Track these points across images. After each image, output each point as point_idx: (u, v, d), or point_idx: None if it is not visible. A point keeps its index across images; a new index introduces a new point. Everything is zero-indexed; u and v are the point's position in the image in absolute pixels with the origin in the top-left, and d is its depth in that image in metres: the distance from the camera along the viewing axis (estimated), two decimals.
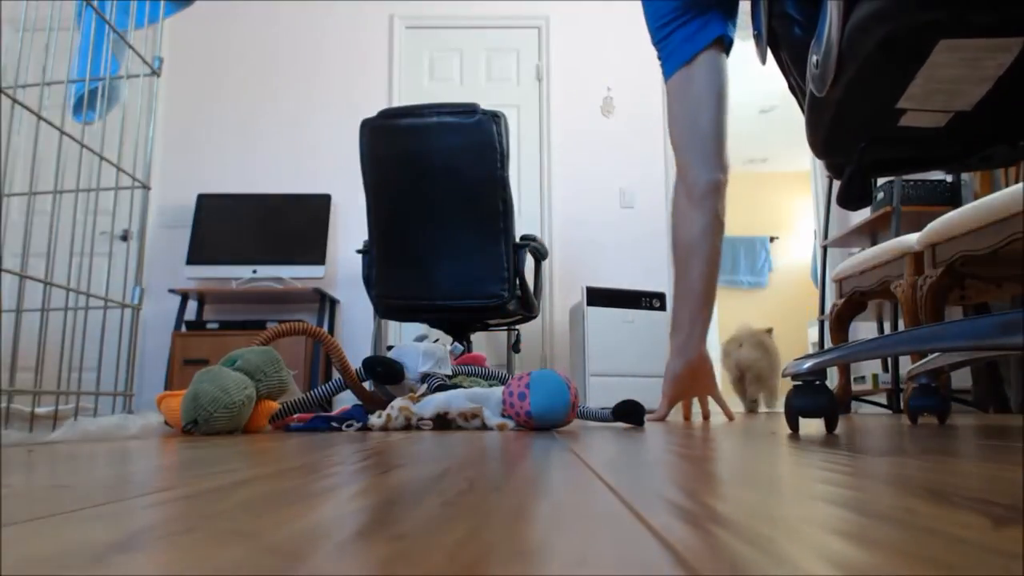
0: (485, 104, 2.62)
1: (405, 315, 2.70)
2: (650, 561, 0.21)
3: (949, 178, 3.24)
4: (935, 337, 1.11)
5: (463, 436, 1.10)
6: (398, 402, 1.44)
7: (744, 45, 5.71)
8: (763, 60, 1.09)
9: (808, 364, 1.16)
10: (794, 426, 1.16)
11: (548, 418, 1.31)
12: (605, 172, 4.22)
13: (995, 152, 0.91)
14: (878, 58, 0.72)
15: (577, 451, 0.72)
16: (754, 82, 5.80)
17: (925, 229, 2.05)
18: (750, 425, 1.50)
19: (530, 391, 1.31)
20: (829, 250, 4.13)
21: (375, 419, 1.42)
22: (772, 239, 7.38)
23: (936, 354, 1.55)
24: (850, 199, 0.97)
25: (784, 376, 1.20)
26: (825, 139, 0.91)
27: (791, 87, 1.07)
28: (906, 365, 3.14)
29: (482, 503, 0.34)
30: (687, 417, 1.91)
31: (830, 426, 1.13)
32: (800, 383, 1.16)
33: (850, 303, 2.66)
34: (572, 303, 4.04)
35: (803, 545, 0.23)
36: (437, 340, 1.80)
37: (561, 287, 4.10)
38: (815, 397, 1.14)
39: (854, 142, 0.90)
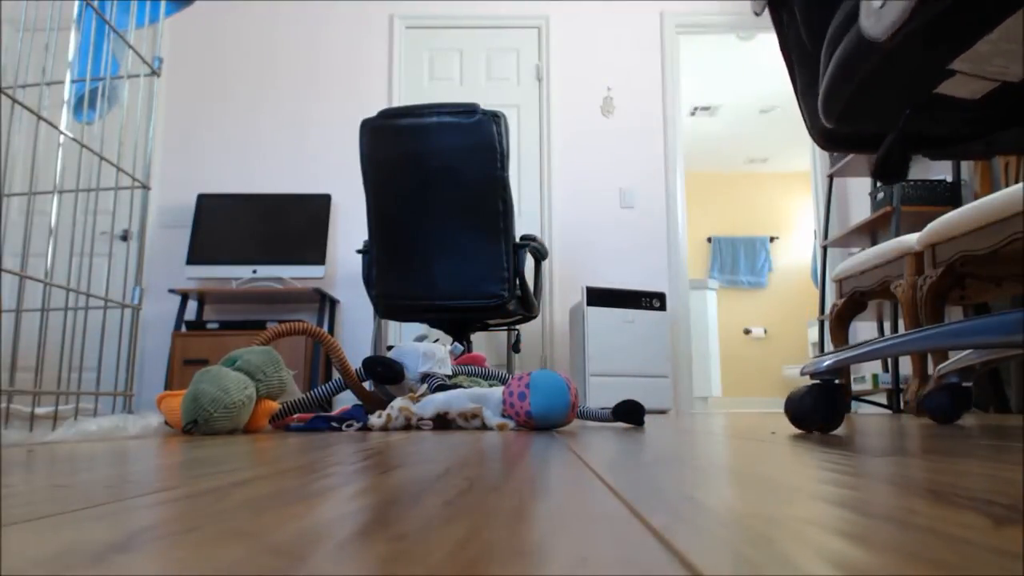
0: (485, 104, 2.62)
1: (405, 315, 2.70)
2: (650, 561, 0.21)
3: (949, 178, 3.24)
4: (966, 333, 1.05)
5: (463, 436, 1.10)
6: (398, 402, 1.44)
7: (743, 45, 5.68)
8: (759, 11, 1.01)
9: (828, 362, 1.10)
10: (805, 425, 1.11)
11: (548, 418, 1.31)
12: (605, 172, 4.22)
13: (1005, 137, 0.86)
14: (967, 1, 0.65)
15: (577, 451, 0.72)
16: (754, 82, 5.80)
17: (925, 229, 2.05)
18: (750, 424, 1.50)
19: (530, 391, 1.31)
20: (829, 250, 4.13)
21: (375, 419, 1.42)
22: (772, 239, 7.38)
23: (969, 351, 1.51)
24: (888, 171, 0.89)
25: (803, 374, 1.17)
26: (851, 100, 0.81)
27: (783, 46, 0.98)
28: (907, 365, 3.14)
29: (482, 503, 0.34)
30: None
31: (833, 425, 1.10)
32: (814, 382, 1.11)
33: (850, 303, 2.66)
34: (572, 303, 4.04)
35: (804, 545, 0.23)
36: (437, 340, 1.80)
37: (561, 287, 4.09)
38: (827, 397, 1.09)
39: (887, 105, 0.82)
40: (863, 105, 0.82)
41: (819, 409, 1.09)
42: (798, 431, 1.15)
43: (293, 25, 4.34)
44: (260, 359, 1.39)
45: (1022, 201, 1.63)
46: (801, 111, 0.97)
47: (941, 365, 1.63)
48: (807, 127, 0.97)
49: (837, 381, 1.10)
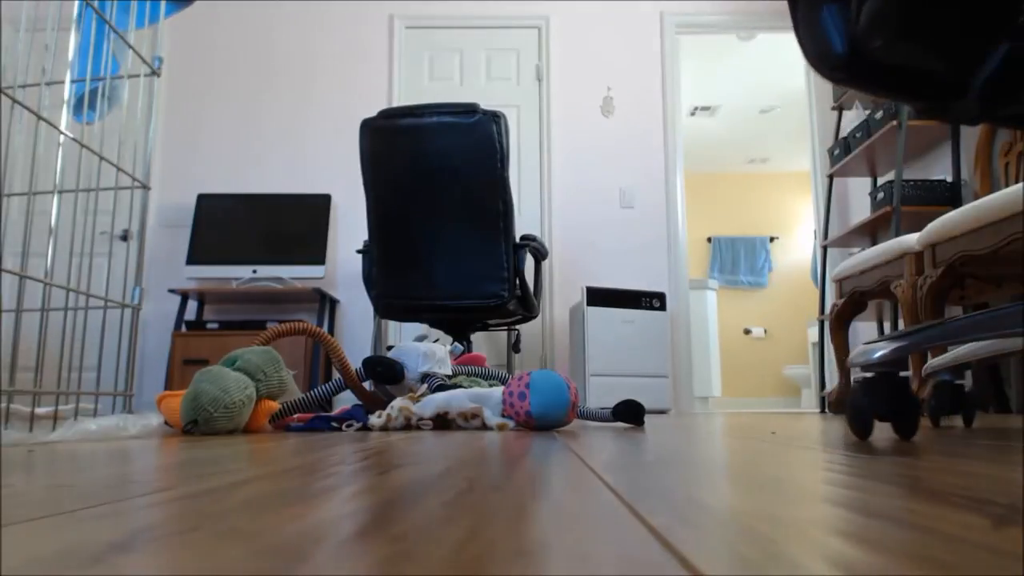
0: (485, 104, 2.62)
1: (405, 315, 2.70)
2: (650, 561, 0.21)
3: (949, 178, 3.24)
4: None
5: (463, 436, 1.10)
6: (398, 402, 1.44)
7: (743, 46, 5.67)
8: None
9: (881, 351, 0.89)
10: (862, 431, 0.89)
11: (548, 418, 1.31)
12: (605, 172, 4.22)
13: None
14: None
15: (577, 451, 0.72)
16: (754, 82, 5.80)
17: (925, 229, 2.05)
18: (750, 425, 1.50)
19: (530, 391, 1.31)
20: (829, 250, 4.13)
21: (375, 419, 1.42)
22: (772, 239, 7.38)
23: (967, 346, 1.29)
24: (997, 95, 0.66)
25: (851, 366, 0.96)
26: (927, 9, 0.62)
27: None
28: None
29: (482, 503, 0.34)
30: None
31: (907, 431, 0.88)
32: (871, 376, 0.90)
33: (850, 303, 2.66)
34: (572, 303, 4.04)
35: (804, 545, 0.23)
36: (437, 340, 1.80)
37: (561, 287, 4.09)
38: (892, 394, 0.87)
39: (975, 21, 0.62)
40: (942, 17, 0.62)
41: (877, 407, 0.87)
42: (800, 434, 1.15)
43: (293, 25, 4.34)
44: (260, 359, 1.39)
45: (1022, 201, 1.63)
46: (798, 31, 0.79)
47: (929, 361, 1.54)
48: (806, 52, 0.78)
49: (898, 374, 0.88)
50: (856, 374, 3.29)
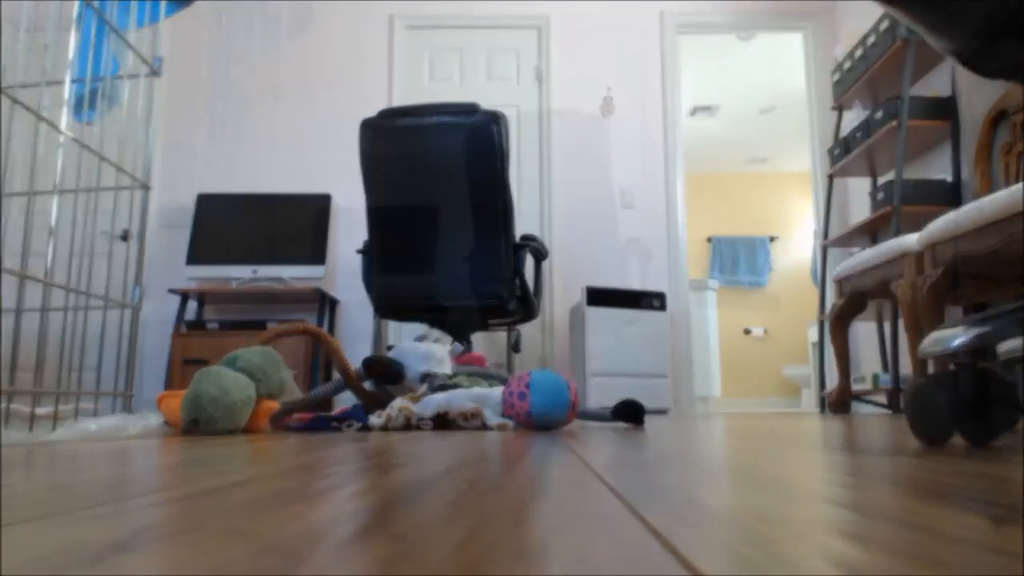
0: (485, 104, 2.62)
1: (405, 315, 2.70)
2: (650, 561, 0.21)
3: (949, 178, 3.24)
4: None
5: (463, 436, 1.10)
6: (398, 402, 1.44)
7: (743, 46, 5.67)
8: None
9: (961, 338, 0.73)
10: (937, 436, 0.73)
11: (548, 418, 1.31)
12: (605, 172, 4.22)
13: None
14: None
15: (577, 451, 0.72)
16: (754, 82, 5.80)
17: (925, 229, 2.05)
18: (750, 425, 1.50)
19: (530, 391, 1.31)
20: (829, 250, 4.13)
21: (375, 419, 1.42)
22: (772, 239, 7.38)
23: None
24: None
25: (922, 356, 0.81)
26: None
27: None
28: (906, 365, 3.14)
29: (482, 503, 0.34)
30: None
31: (981, 435, 0.74)
32: (951, 368, 0.75)
33: (850, 303, 2.66)
34: (572, 303, 4.04)
35: (804, 545, 0.23)
36: (437, 340, 1.80)
37: (561, 287, 4.09)
38: (973, 391, 0.71)
39: None
40: None
41: (957, 407, 0.72)
42: (800, 434, 1.14)
43: (293, 25, 4.34)
44: (260, 359, 1.39)
45: (1022, 201, 1.63)
46: None
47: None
48: None
49: (979, 366, 0.73)
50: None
